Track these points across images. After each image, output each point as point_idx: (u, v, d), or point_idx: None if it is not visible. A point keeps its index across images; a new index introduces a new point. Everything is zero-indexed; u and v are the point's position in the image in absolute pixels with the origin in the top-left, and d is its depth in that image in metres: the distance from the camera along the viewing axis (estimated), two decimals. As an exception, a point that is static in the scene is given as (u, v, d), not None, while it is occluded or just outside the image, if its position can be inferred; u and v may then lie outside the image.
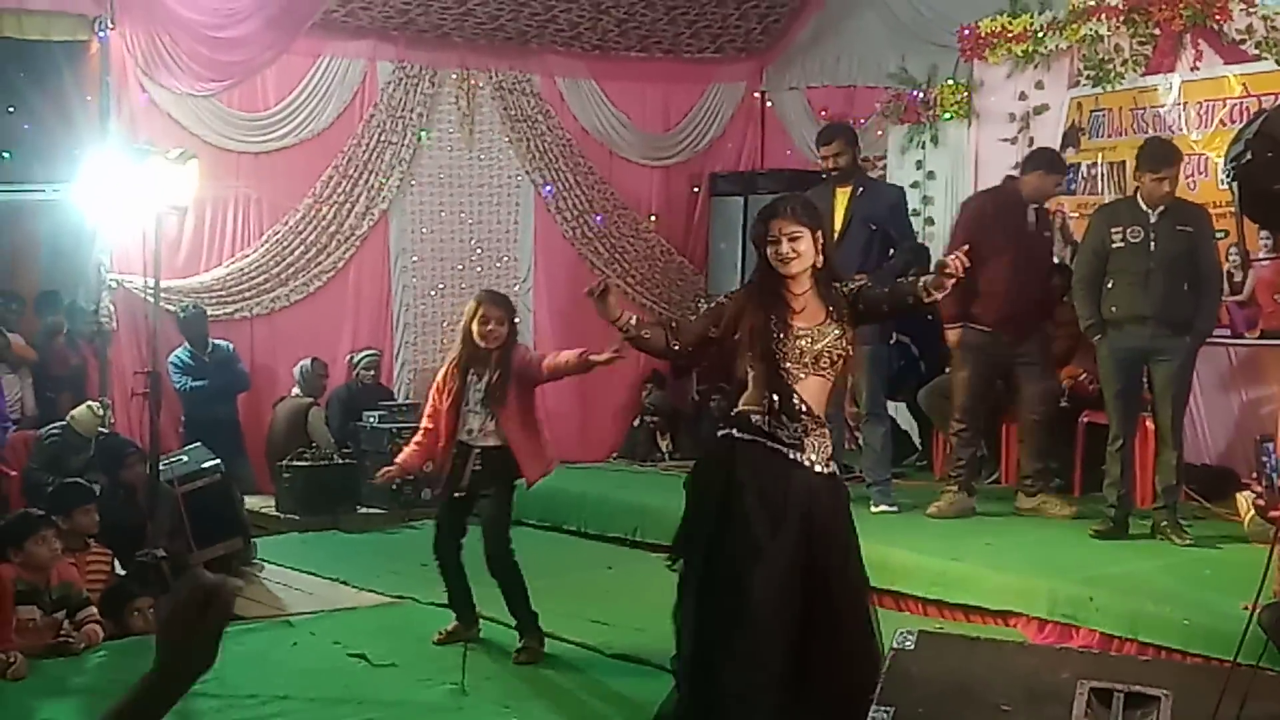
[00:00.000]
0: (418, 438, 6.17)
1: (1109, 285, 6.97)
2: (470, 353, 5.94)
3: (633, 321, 4.85)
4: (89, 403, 8.40)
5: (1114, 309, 6.95)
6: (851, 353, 4.81)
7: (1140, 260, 6.85)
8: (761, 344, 4.72)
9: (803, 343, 4.70)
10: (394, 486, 8.81)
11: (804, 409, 4.68)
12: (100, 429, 8.30)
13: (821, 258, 4.77)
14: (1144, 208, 6.91)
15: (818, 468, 4.67)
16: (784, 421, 4.69)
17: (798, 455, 4.66)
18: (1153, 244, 6.84)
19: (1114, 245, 6.94)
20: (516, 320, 6.17)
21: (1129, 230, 6.90)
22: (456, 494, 5.99)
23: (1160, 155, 6.98)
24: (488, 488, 5.94)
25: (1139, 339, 6.91)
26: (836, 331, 4.71)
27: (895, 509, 7.73)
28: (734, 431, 4.74)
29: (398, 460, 6.22)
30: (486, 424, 5.90)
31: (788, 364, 4.70)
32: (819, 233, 4.77)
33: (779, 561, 4.56)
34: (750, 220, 11.01)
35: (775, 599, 4.54)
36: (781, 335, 4.72)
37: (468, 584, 6.09)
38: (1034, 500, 7.73)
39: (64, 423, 8.18)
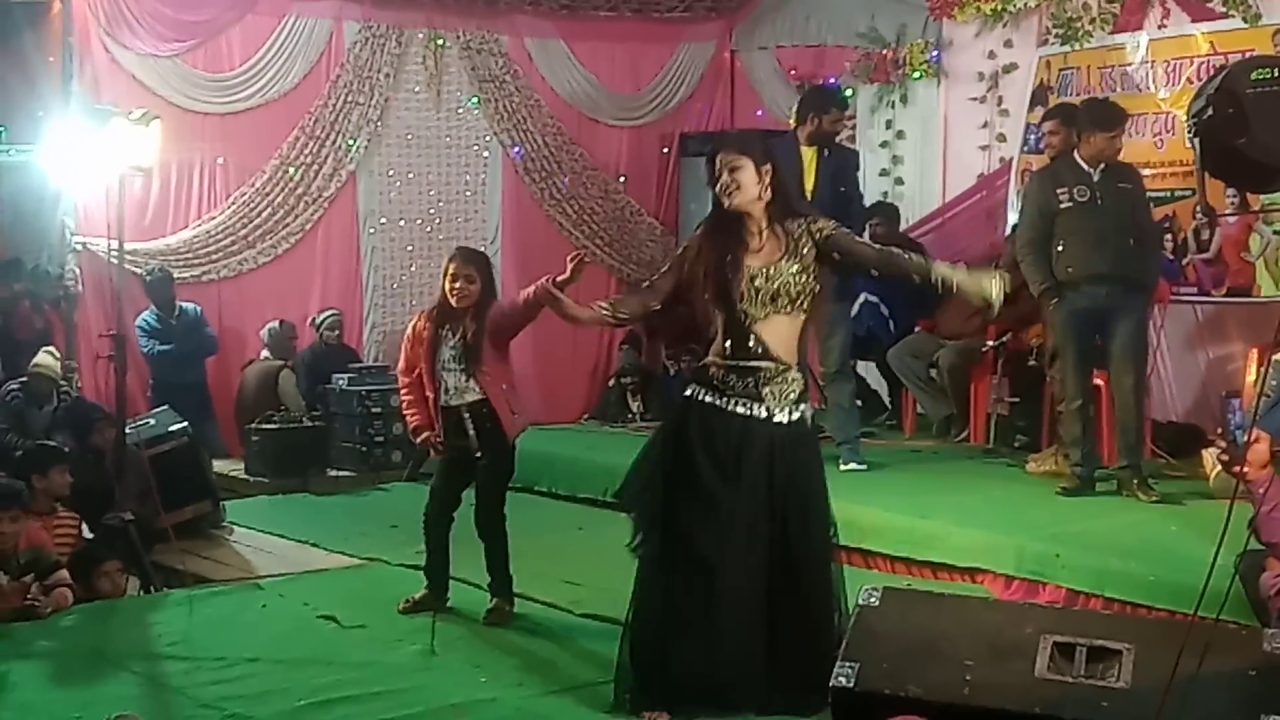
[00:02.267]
0: (407, 396, 5.99)
1: (1059, 247, 6.92)
2: (444, 309, 5.85)
3: (604, 309, 4.85)
4: (47, 348, 8.42)
5: (1069, 269, 6.90)
6: (818, 288, 4.71)
7: (1091, 219, 6.84)
8: (716, 283, 4.69)
9: (759, 280, 4.65)
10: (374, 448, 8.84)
11: (762, 350, 4.66)
12: (63, 382, 8.31)
13: (770, 192, 4.73)
14: (1086, 167, 6.89)
15: (778, 417, 4.67)
16: (741, 372, 4.68)
17: (754, 408, 4.66)
18: (1100, 202, 6.84)
19: (1061, 206, 6.89)
20: (492, 275, 6.02)
21: (1075, 190, 6.87)
22: (455, 453, 5.88)
23: (1113, 115, 7.01)
24: (486, 445, 5.83)
25: (1095, 299, 6.89)
26: (795, 267, 4.67)
27: (864, 467, 7.74)
28: (693, 389, 4.76)
29: (416, 426, 5.96)
30: (462, 381, 5.80)
31: (744, 304, 4.68)
32: (766, 167, 4.71)
33: (731, 524, 4.59)
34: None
35: (730, 563, 4.58)
36: (735, 275, 4.68)
37: (449, 555, 6.03)
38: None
39: (22, 380, 8.17)
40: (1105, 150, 6.87)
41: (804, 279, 4.67)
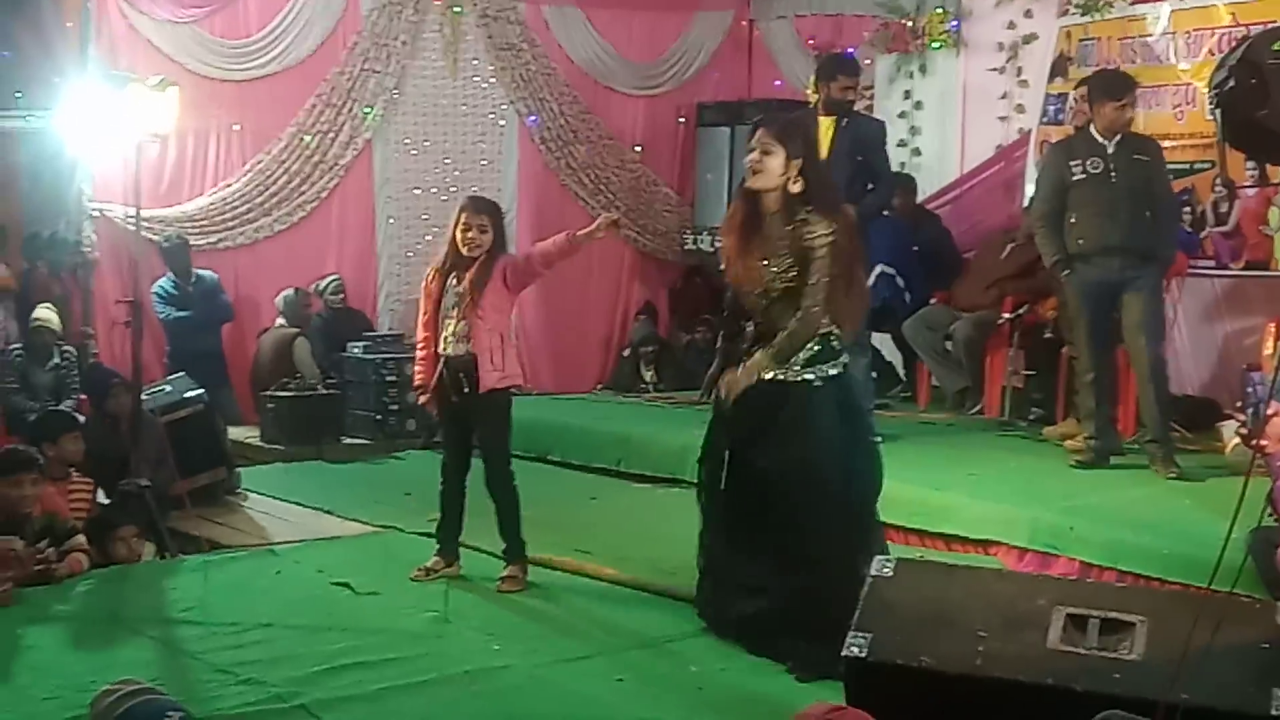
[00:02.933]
0: (420, 351, 5.99)
1: (1072, 219, 6.88)
2: (454, 258, 5.81)
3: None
4: (44, 304, 8.53)
5: (1080, 242, 6.86)
6: (790, 284, 4.85)
7: (1103, 191, 6.79)
8: (736, 265, 4.96)
9: (765, 280, 4.88)
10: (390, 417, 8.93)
11: (772, 331, 4.90)
12: (61, 341, 8.42)
13: (801, 183, 4.81)
14: (1100, 139, 6.84)
15: (790, 378, 4.89)
16: (751, 348, 4.96)
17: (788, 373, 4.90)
18: (1113, 174, 6.78)
19: (1074, 178, 6.85)
20: (505, 222, 6.06)
21: (1088, 162, 6.82)
22: (451, 411, 5.88)
23: (1121, 83, 6.97)
24: (475, 402, 5.80)
25: (1108, 270, 6.84)
26: (790, 260, 4.83)
27: (879, 439, 7.72)
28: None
29: (418, 384, 6.00)
30: (462, 329, 5.76)
31: (747, 288, 4.93)
32: (797, 160, 4.79)
33: (720, 473, 5.11)
34: (736, 151, 11.04)
35: (720, 509, 5.15)
36: (747, 263, 4.89)
37: (461, 520, 6.04)
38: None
39: (22, 343, 8.28)
40: (1115, 120, 6.81)
41: (786, 277, 4.85)
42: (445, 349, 5.80)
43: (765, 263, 4.89)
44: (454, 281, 5.79)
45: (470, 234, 5.75)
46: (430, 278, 5.92)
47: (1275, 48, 3.35)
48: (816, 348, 4.91)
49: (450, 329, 5.79)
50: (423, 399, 6.03)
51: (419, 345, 6.02)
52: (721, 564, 5.20)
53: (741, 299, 5.09)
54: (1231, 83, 3.43)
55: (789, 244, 4.84)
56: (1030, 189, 9.09)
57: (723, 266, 5.22)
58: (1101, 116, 6.84)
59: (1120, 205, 6.79)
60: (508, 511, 5.93)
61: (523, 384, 6.33)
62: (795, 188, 4.85)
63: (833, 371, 4.95)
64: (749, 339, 5.10)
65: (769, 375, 4.92)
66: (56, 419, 7.03)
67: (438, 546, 6.07)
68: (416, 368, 6.05)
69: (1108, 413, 7.16)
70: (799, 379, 4.91)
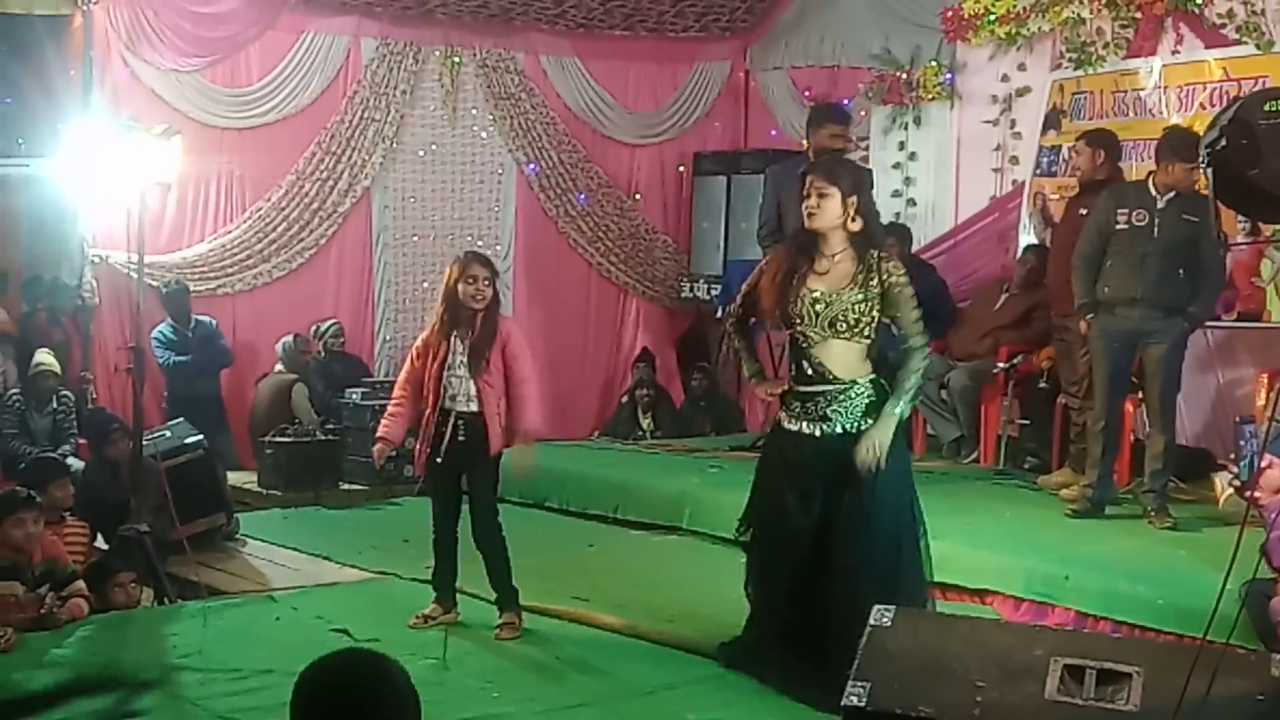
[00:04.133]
0: (394, 407, 5.98)
1: (1107, 264, 6.92)
2: (454, 314, 5.80)
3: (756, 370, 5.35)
4: (44, 349, 8.57)
5: (1106, 289, 6.91)
6: (877, 318, 4.93)
7: (1139, 243, 6.81)
8: (778, 300, 4.98)
9: (819, 305, 4.90)
10: (386, 461, 8.87)
11: (822, 374, 4.94)
12: (60, 387, 8.46)
13: (859, 222, 4.93)
14: (1153, 193, 6.85)
15: (838, 428, 4.94)
16: (803, 397, 4.98)
17: (821, 428, 4.97)
18: (1155, 229, 6.80)
19: (1117, 226, 6.88)
20: (499, 279, 6.06)
21: (1134, 213, 6.84)
22: (439, 460, 5.88)
23: (1195, 145, 6.87)
24: (472, 456, 5.84)
25: (1129, 321, 6.88)
26: (859, 295, 4.89)
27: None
28: (779, 415, 5.14)
29: (381, 435, 5.99)
30: (469, 388, 5.78)
31: (802, 325, 4.94)
32: (853, 198, 4.92)
33: (791, 527, 5.05)
34: (733, 200, 11.14)
35: (785, 562, 5.09)
36: (796, 293, 4.92)
37: (456, 565, 6.05)
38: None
39: (20, 387, 8.33)
40: (1182, 182, 6.78)
41: (864, 308, 4.90)
42: (454, 406, 5.81)
43: (825, 297, 4.92)
44: (458, 341, 5.80)
45: (475, 286, 5.77)
46: (431, 335, 5.88)
47: (1267, 108, 3.42)
48: (874, 397, 4.98)
49: (460, 388, 5.81)
50: (380, 452, 5.98)
51: (394, 399, 6.03)
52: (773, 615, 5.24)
53: (779, 334, 5.19)
54: (1224, 142, 3.50)
55: (863, 280, 4.91)
56: (1025, 239, 9.20)
57: (754, 303, 5.20)
58: (1168, 174, 6.80)
59: (1151, 259, 6.80)
60: (497, 563, 5.94)
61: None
62: (855, 226, 4.96)
63: (865, 426, 4.99)
64: (789, 381, 5.12)
65: (839, 429, 4.96)
66: (45, 466, 7.04)
67: (435, 594, 6.08)
68: (387, 420, 6.01)
69: (1111, 463, 7.17)
70: (857, 429, 4.96)
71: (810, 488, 5.03)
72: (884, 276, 4.92)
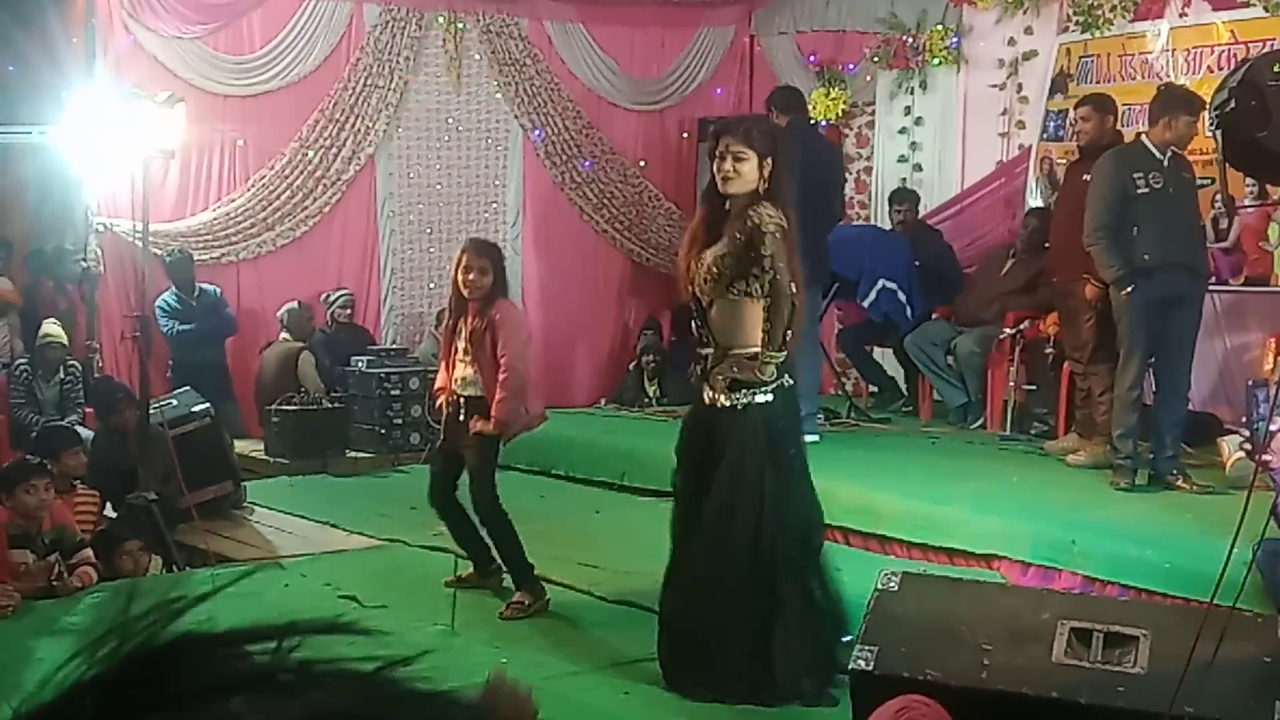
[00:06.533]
0: (436, 378, 6.22)
1: (1136, 232, 6.72)
2: (457, 301, 5.91)
3: None
4: (51, 319, 8.56)
5: (1146, 257, 6.69)
6: (723, 271, 4.72)
7: (1166, 206, 6.70)
8: (685, 269, 4.87)
9: (706, 263, 4.77)
10: (386, 430, 8.92)
11: (706, 336, 4.80)
12: (69, 357, 8.47)
13: (765, 184, 4.76)
14: (1156, 154, 6.76)
15: (720, 402, 4.77)
16: (699, 358, 4.85)
17: (706, 394, 4.84)
18: (1172, 190, 6.72)
19: (1139, 191, 6.71)
20: (504, 267, 6.06)
21: (1150, 176, 6.71)
22: (444, 442, 5.97)
23: (1195, 99, 6.84)
24: (470, 438, 5.87)
25: (1168, 287, 6.71)
26: (723, 250, 4.72)
27: (816, 439, 7.39)
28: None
29: (439, 387, 6.09)
30: (469, 373, 5.85)
31: (694, 286, 4.83)
32: (768, 159, 4.75)
33: (682, 501, 4.98)
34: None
35: (678, 537, 4.97)
36: (698, 257, 4.81)
37: (474, 527, 6.00)
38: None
39: (27, 357, 8.34)
40: (1186, 135, 6.72)
41: (726, 261, 4.71)
42: (458, 389, 5.88)
43: (709, 254, 4.77)
44: (462, 326, 5.88)
45: (470, 276, 5.78)
46: (447, 316, 6.08)
47: (1276, 70, 3.41)
48: (738, 373, 4.75)
49: (462, 372, 5.87)
50: (442, 402, 6.09)
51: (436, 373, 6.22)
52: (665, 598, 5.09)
53: (689, 302, 4.97)
54: (1233, 104, 3.50)
55: (735, 230, 4.71)
56: (1031, 202, 9.18)
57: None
58: (1172, 129, 6.69)
59: (1178, 222, 6.74)
60: (502, 539, 5.92)
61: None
62: (762, 187, 4.77)
63: (760, 399, 4.77)
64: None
65: (706, 399, 4.84)
66: (57, 435, 7.07)
67: (472, 562, 6.10)
68: (439, 378, 6.17)
69: (1139, 432, 6.99)
70: (732, 404, 4.78)
71: (684, 458, 4.99)
72: (751, 222, 4.67)
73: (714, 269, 4.73)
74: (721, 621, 4.74)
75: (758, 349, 4.73)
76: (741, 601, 4.75)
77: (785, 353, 4.75)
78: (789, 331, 4.72)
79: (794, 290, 4.74)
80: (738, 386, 4.74)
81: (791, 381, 4.89)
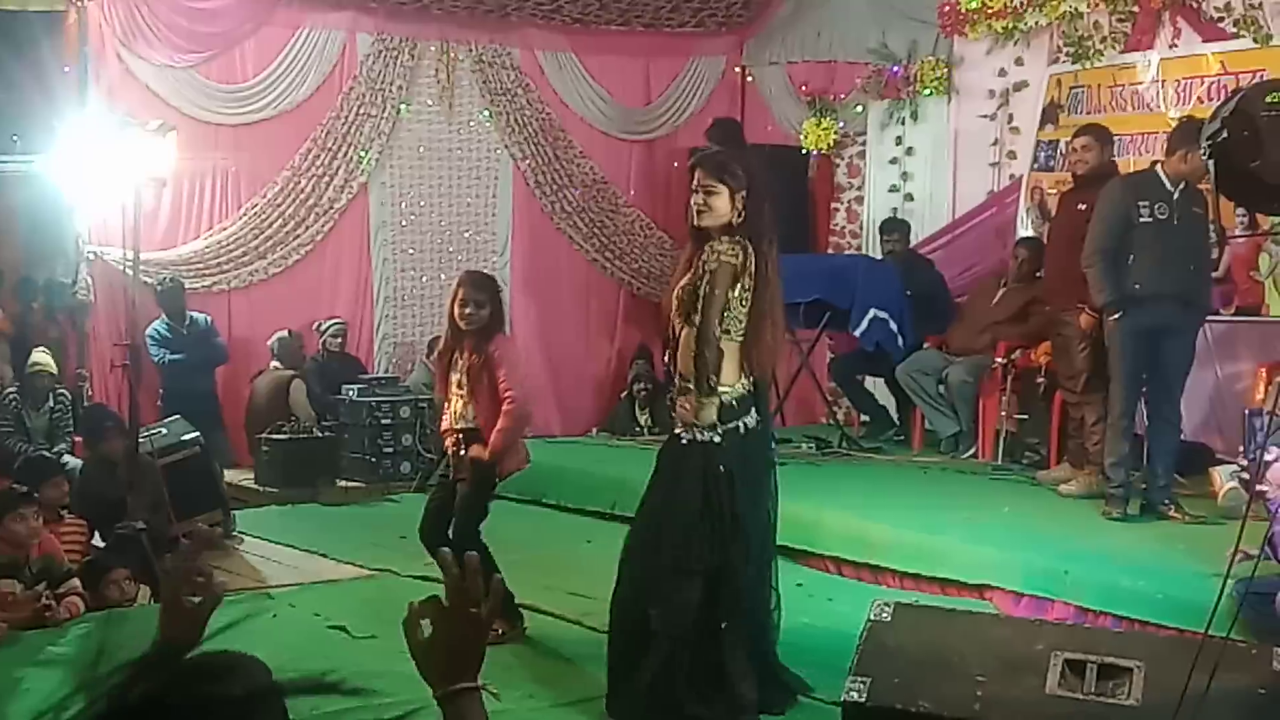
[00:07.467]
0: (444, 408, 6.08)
1: (1131, 260, 6.74)
2: (452, 333, 5.84)
3: None
4: (40, 348, 8.53)
5: (1137, 286, 6.72)
6: (682, 301, 4.73)
7: (1166, 237, 6.70)
8: (668, 293, 4.88)
9: (674, 294, 4.79)
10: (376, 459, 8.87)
11: (672, 369, 4.83)
12: (59, 385, 8.43)
13: (740, 217, 4.72)
14: (1168, 185, 6.74)
15: (683, 439, 4.76)
16: (673, 387, 4.84)
17: (677, 428, 4.82)
18: (1176, 221, 6.71)
19: (1141, 220, 6.72)
20: (502, 301, 6.00)
21: (1156, 206, 6.71)
22: (443, 477, 5.93)
23: None
24: (466, 472, 5.83)
25: (1158, 318, 6.74)
26: (685, 279, 4.74)
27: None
28: None
29: (446, 427, 5.98)
30: (465, 408, 5.80)
31: (672, 317, 4.83)
32: (741, 194, 4.72)
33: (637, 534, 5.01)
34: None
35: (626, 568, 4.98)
36: (672, 288, 4.82)
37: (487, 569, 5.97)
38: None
39: (16, 386, 8.30)
40: (1201, 169, 6.72)
41: (686, 292, 4.72)
42: (454, 423, 5.83)
43: (678, 285, 4.78)
44: (457, 359, 5.82)
45: (468, 309, 5.73)
46: (443, 348, 5.98)
47: (1269, 100, 3.41)
48: (696, 405, 4.70)
49: (458, 406, 5.82)
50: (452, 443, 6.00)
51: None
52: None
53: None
54: (1225, 134, 3.50)
55: (699, 263, 4.69)
56: (1022, 232, 9.20)
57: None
58: (1189, 162, 6.64)
59: (1176, 254, 6.72)
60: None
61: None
62: (735, 220, 4.74)
63: (703, 437, 4.72)
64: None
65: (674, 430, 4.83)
66: (38, 465, 7.02)
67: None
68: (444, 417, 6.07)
69: (1131, 460, 7.01)
70: (691, 437, 4.76)
71: (650, 490, 4.99)
72: (706, 255, 4.65)
73: (677, 299, 4.76)
74: (644, 656, 4.76)
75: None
76: (651, 636, 4.77)
77: (727, 395, 4.69)
78: (713, 378, 4.63)
79: (763, 329, 4.73)
80: (694, 424, 4.72)
81: (755, 421, 4.83)
